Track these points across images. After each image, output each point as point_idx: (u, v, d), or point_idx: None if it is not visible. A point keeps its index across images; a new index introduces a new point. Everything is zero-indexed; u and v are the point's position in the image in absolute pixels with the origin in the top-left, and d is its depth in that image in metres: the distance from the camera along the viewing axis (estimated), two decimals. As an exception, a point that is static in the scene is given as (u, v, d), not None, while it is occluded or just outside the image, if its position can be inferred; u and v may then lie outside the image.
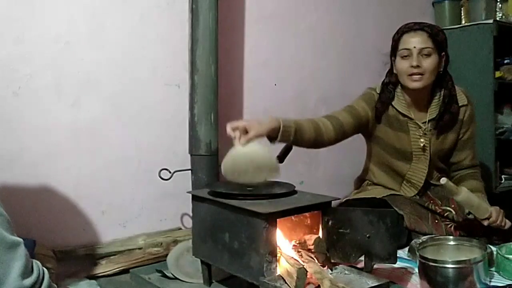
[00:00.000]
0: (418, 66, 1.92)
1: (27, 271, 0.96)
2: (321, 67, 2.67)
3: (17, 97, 1.84)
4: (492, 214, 1.85)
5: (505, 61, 2.96)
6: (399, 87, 2.06)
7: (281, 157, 1.84)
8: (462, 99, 2.05)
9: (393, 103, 2.05)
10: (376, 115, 2.06)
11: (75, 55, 1.95)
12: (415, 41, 1.94)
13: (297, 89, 2.58)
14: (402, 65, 1.97)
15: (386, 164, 2.16)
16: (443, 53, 1.99)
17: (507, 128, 2.99)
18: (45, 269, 1.02)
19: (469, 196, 1.84)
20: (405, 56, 1.96)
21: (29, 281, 0.96)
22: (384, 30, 2.81)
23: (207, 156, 2.01)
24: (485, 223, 1.85)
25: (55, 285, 1.07)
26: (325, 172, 2.70)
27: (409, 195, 2.10)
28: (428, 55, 1.93)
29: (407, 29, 1.97)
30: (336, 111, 2.05)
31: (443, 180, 1.80)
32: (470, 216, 1.93)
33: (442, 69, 2.00)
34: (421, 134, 2.04)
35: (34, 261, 1.01)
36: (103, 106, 2.02)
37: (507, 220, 1.88)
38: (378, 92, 2.08)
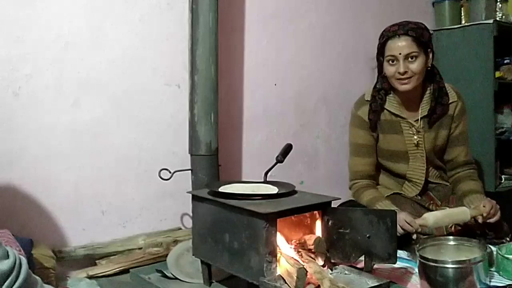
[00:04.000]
0: (405, 72, 1.93)
1: (1, 256, 0.95)
2: (321, 67, 2.67)
3: (17, 97, 1.84)
4: (486, 206, 1.85)
5: (505, 61, 2.96)
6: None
7: (281, 157, 1.84)
8: (452, 96, 2.06)
9: (384, 106, 2.06)
10: (371, 126, 2.08)
11: (75, 55, 1.95)
12: (400, 47, 1.93)
13: (297, 89, 2.58)
14: (389, 70, 1.98)
15: (385, 169, 2.17)
16: (429, 49, 1.99)
17: (507, 128, 2.99)
18: (22, 257, 1.01)
19: (435, 216, 1.83)
20: (392, 62, 1.96)
21: (5, 265, 0.94)
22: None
23: (207, 156, 2.01)
24: (480, 220, 1.84)
25: (37, 277, 1.06)
26: (325, 172, 2.70)
27: (411, 195, 2.11)
28: (415, 58, 1.93)
29: (391, 34, 1.96)
30: (357, 164, 2.12)
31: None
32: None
33: (430, 65, 2.01)
34: (414, 132, 2.05)
35: (9, 248, 1.00)
36: (103, 106, 2.02)
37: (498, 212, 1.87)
38: (367, 99, 2.09)
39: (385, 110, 2.07)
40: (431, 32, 2.22)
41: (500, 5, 3.03)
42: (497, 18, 2.95)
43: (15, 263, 0.97)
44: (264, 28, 2.45)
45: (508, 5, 3.03)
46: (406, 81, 1.95)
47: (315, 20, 2.63)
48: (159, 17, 2.14)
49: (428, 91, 2.05)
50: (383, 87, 2.05)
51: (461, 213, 1.86)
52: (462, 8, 3.09)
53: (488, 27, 2.79)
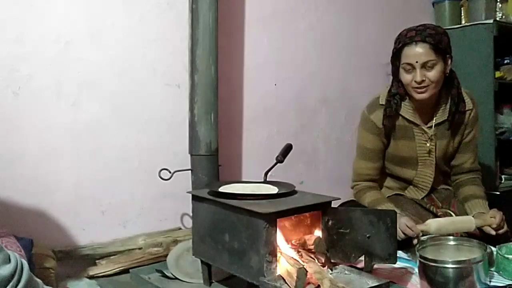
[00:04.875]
0: (422, 81, 1.85)
1: (2, 261, 0.95)
2: (321, 67, 2.67)
3: (17, 97, 1.84)
4: (496, 217, 1.83)
5: (505, 61, 2.96)
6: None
7: (281, 157, 1.84)
8: (468, 103, 2.00)
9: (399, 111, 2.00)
10: (385, 133, 2.03)
11: (75, 55, 1.95)
12: (417, 56, 1.84)
13: (297, 89, 2.58)
14: (406, 78, 1.90)
15: (391, 173, 2.15)
16: (448, 55, 1.91)
17: (507, 128, 2.98)
18: (24, 261, 1.01)
19: (438, 223, 1.82)
20: (408, 69, 1.88)
21: (6, 270, 0.94)
22: (384, 29, 2.82)
23: (207, 156, 2.01)
24: (492, 232, 1.81)
25: (39, 280, 1.06)
26: (325, 172, 2.70)
27: (414, 197, 2.10)
28: (432, 66, 1.85)
29: (408, 40, 1.86)
30: (362, 167, 2.09)
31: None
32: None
33: (448, 72, 1.93)
34: (426, 139, 2.01)
35: (11, 252, 0.99)
36: (103, 106, 2.02)
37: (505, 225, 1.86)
38: (382, 103, 2.01)
39: (399, 116, 2.01)
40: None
41: (500, 5, 3.03)
42: (497, 18, 2.95)
43: (16, 268, 0.97)
44: (264, 28, 2.45)
45: (508, 5, 3.03)
46: (423, 89, 1.87)
47: (315, 20, 2.63)
48: (159, 17, 2.14)
49: (444, 98, 1.99)
50: (398, 92, 1.97)
51: (465, 222, 1.83)
52: (462, 8, 3.09)
53: (488, 27, 2.79)
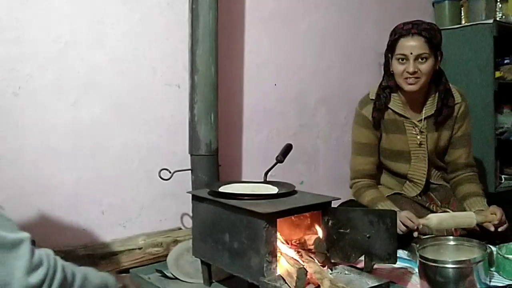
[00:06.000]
0: (415, 72, 1.92)
1: (31, 268, 0.93)
2: (321, 67, 2.67)
3: (17, 97, 1.84)
4: (496, 213, 1.83)
5: (505, 61, 2.96)
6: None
7: (281, 157, 1.84)
8: (456, 97, 2.06)
9: (389, 105, 2.06)
10: (374, 124, 2.08)
11: (75, 55, 1.94)
12: (412, 47, 1.91)
13: (297, 89, 2.58)
14: (398, 68, 1.96)
15: (387, 168, 2.17)
16: (439, 51, 1.99)
17: (507, 128, 2.99)
18: (57, 258, 0.98)
19: (439, 217, 1.83)
20: (402, 60, 1.95)
21: (35, 277, 0.93)
22: (384, 29, 2.80)
23: (207, 156, 2.01)
24: (492, 228, 1.82)
25: (70, 269, 1.03)
26: (325, 172, 2.70)
27: (412, 194, 2.11)
28: (425, 59, 1.92)
29: (404, 32, 1.94)
30: (359, 163, 2.12)
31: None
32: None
33: (438, 67, 2.01)
34: (417, 132, 2.06)
35: (45, 253, 0.97)
36: (103, 106, 2.02)
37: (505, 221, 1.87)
38: (372, 98, 2.08)
39: (389, 109, 2.07)
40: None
41: (500, 5, 3.03)
42: (497, 18, 2.95)
43: (47, 273, 0.95)
44: (264, 28, 2.45)
45: (508, 5, 3.03)
46: (413, 80, 1.94)
47: (315, 20, 2.63)
48: (159, 17, 2.14)
49: (433, 92, 2.04)
50: (389, 85, 2.04)
51: (466, 218, 1.84)
52: (462, 8, 3.09)
53: (488, 27, 2.79)
